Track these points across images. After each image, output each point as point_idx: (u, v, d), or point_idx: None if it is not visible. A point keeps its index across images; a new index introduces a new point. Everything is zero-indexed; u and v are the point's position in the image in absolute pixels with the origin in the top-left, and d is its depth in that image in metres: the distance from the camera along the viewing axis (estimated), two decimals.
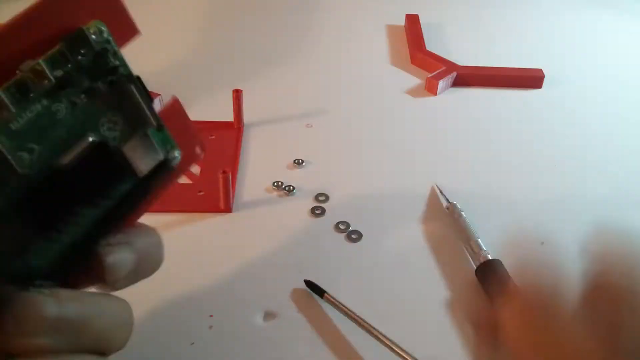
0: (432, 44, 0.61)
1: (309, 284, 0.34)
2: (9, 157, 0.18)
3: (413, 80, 0.56)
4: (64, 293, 0.20)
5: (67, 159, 0.20)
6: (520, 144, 0.48)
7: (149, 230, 0.24)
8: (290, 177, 0.43)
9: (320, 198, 0.41)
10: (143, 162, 0.22)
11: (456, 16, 0.69)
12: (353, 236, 0.38)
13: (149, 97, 0.21)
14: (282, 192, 0.41)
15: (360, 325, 0.31)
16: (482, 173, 0.44)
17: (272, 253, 0.37)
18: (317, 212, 0.39)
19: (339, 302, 0.32)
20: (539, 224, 0.40)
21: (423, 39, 0.61)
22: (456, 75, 0.55)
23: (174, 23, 0.64)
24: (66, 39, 0.19)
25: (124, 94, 0.21)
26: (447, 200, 0.40)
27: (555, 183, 0.44)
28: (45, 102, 0.19)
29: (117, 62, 0.20)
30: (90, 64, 0.20)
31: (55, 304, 0.19)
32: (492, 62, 0.58)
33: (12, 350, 0.19)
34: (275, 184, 0.42)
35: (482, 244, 0.35)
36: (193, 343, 0.31)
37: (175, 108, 0.24)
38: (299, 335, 0.31)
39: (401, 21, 0.67)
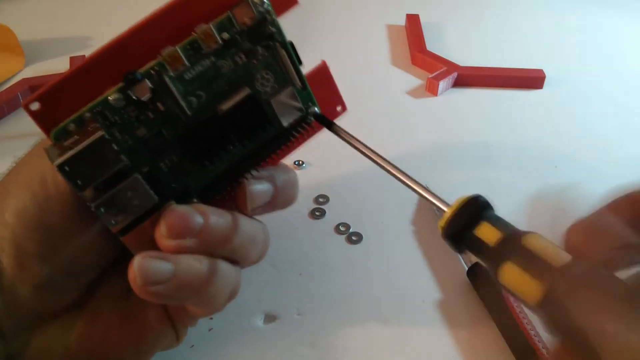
0: (433, 44, 0.60)
1: (317, 117, 0.27)
2: (181, 100, 0.22)
3: (414, 80, 0.56)
4: (210, 209, 0.24)
5: (226, 106, 0.23)
6: (521, 144, 0.48)
7: (287, 169, 0.28)
8: None
9: (321, 200, 0.41)
10: (286, 114, 0.25)
11: (457, 16, 0.69)
12: (353, 238, 0.38)
13: (298, 60, 0.25)
14: None
15: (367, 156, 0.26)
16: (482, 173, 0.44)
17: (272, 255, 0.36)
18: (317, 214, 0.39)
19: (348, 133, 0.27)
20: (538, 226, 0.40)
21: (424, 39, 0.61)
22: (457, 76, 0.55)
23: None
24: (233, 8, 0.22)
25: (277, 56, 0.24)
26: None
27: (556, 184, 0.44)
28: (212, 58, 0.23)
29: (274, 29, 0.24)
30: (251, 29, 0.23)
31: (200, 216, 0.23)
32: (493, 63, 0.58)
33: (163, 248, 0.22)
34: None
35: None
36: (193, 346, 0.31)
37: (322, 71, 0.28)
38: (299, 338, 0.31)
39: (401, 21, 0.67)
